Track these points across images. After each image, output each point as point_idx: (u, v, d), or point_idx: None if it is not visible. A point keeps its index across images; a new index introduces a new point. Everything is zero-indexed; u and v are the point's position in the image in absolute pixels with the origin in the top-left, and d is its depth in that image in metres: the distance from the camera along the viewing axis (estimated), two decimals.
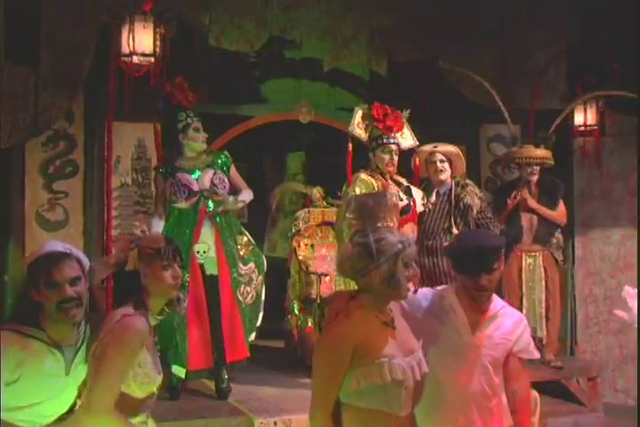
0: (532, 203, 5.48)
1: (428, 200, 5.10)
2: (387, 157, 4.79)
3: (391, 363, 2.41)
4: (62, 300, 2.49)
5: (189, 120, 4.54)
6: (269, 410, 4.16)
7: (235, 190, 4.74)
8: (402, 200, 4.75)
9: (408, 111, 4.96)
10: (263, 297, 4.71)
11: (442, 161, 5.12)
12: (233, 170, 4.71)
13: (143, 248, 2.55)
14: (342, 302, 2.51)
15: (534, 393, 4.48)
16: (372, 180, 4.76)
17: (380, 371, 2.40)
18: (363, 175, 4.78)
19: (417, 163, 5.12)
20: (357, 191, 4.65)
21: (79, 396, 2.56)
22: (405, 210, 4.74)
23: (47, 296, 2.50)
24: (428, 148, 5.18)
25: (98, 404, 2.38)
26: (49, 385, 2.51)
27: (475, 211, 5.05)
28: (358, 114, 4.89)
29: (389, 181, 4.83)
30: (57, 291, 2.50)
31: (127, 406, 2.45)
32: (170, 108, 4.58)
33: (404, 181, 4.94)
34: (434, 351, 2.77)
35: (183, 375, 4.30)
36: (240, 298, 4.52)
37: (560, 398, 5.59)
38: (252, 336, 4.66)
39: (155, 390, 2.54)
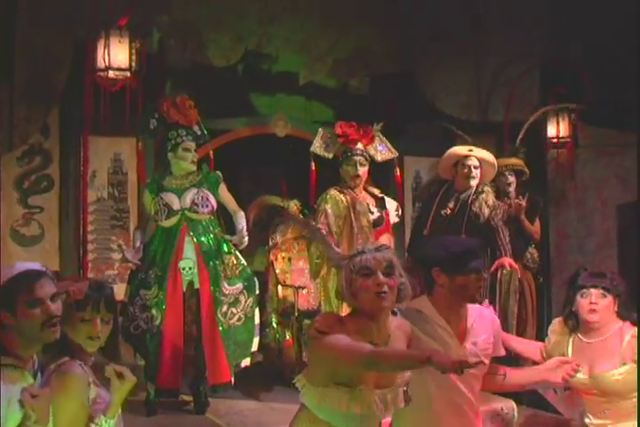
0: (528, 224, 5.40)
1: (446, 206, 4.94)
2: (350, 169, 4.77)
3: (355, 392, 2.28)
4: (48, 317, 2.29)
5: (179, 139, 4.42)
6: (247, 424, 4.13)
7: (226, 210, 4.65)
8: (372, 213, 4.77)
9: (380, 124, 4.89)
10: (257, 321, 4.61)
11: (476, 167, 4.89)
12: (223, 190, 4.60)
13: (68, 295, 2.37)
14: (329, 321, 2.39)
15: (511, 403, 4.51)
16: (341, 195, 4.76)
17: (340, 398, 2.27)
18: (332, 191, 4.80)
19: (399, 173, 5.07)
20: (328, 207, 4.69)
21: None
22: (377, 222, 4.76)
23: (29, 315, 2.30)
24: (462, 150, 4.97)
25: None
26: None
27: (481, 220, 4.85)
28: (319, 135, 4.91)
29: (361, 193, 4.84)
30: (40, 308, 2.31)
31: None
32: (164, 126, 4.44)
33: (377, 193, 4.95)
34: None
35: (152, 392, 4.25)
36: (221, 318, 4.42)
37: (537, 408, 5.61)
38: (247, 362, 4.54)
39: None
